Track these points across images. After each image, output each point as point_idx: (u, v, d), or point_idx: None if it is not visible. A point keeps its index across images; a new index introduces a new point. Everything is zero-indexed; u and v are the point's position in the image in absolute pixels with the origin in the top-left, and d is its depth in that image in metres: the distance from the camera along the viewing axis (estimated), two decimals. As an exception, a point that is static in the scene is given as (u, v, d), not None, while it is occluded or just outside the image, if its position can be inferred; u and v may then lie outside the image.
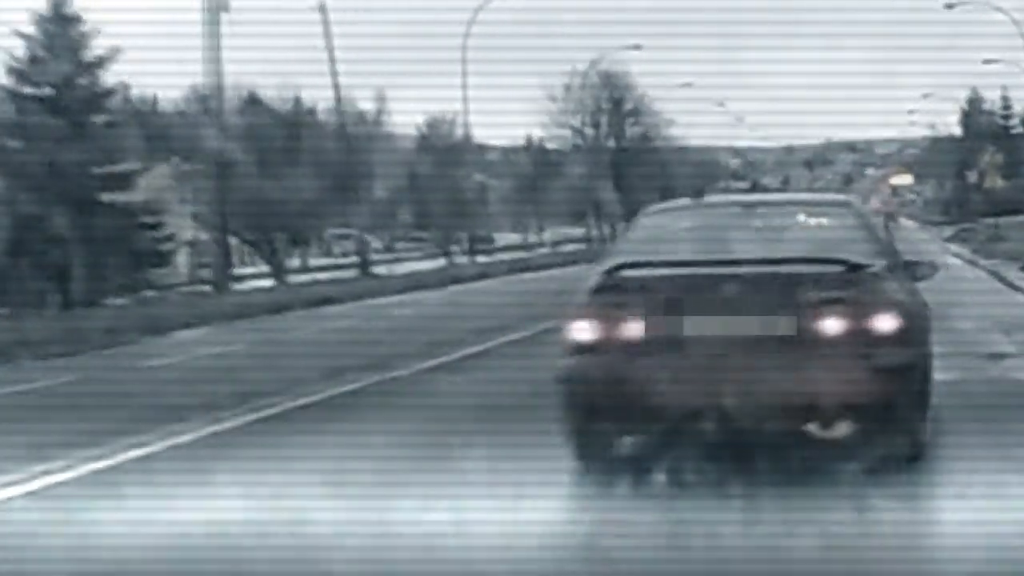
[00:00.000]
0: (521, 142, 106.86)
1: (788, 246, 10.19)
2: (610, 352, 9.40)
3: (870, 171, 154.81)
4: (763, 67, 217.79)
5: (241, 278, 53.51)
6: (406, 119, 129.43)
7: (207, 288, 47.10)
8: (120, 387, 18.49)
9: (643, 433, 9.69)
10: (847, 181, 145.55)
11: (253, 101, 63.15)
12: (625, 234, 11.41)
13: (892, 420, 9.22)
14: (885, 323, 9.16)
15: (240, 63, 75.80)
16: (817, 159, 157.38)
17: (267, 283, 51.25)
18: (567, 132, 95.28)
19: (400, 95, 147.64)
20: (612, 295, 9.56)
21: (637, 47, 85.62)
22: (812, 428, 9.34)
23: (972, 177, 75.92)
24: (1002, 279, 30.87)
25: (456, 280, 46.93)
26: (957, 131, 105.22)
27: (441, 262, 65.66)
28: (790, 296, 9.18)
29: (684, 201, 11.51)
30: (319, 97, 67.93)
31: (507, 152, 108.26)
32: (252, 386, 16.23)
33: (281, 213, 54.94)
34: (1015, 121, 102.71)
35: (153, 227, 43.63)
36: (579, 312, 9.59)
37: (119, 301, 38.52)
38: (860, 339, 9.10)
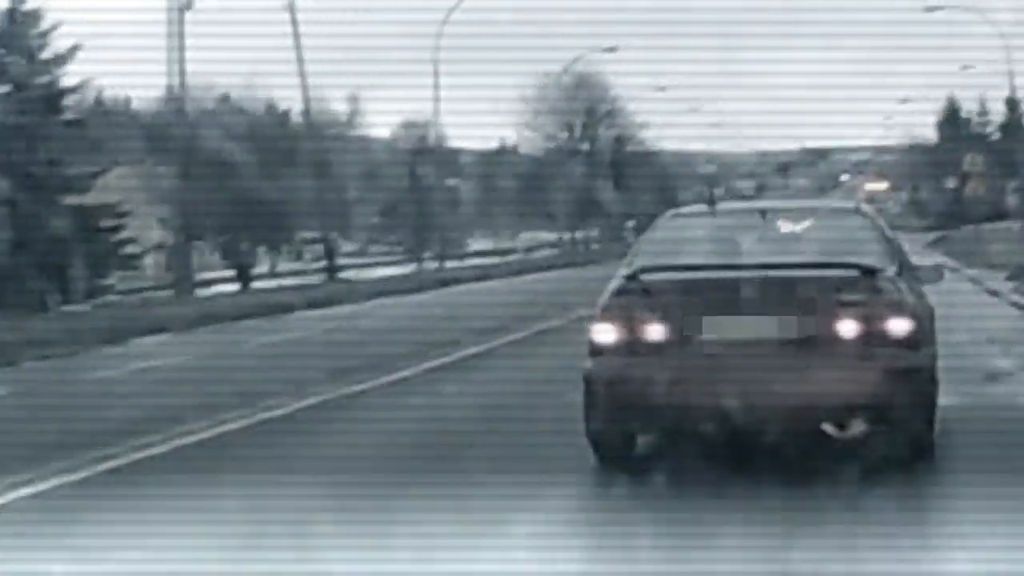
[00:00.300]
0: (495, 146, 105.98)
1: (803, 251, 10.53)
2: (631, 353, 9.80)
3: (845, 177, 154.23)
4: (739, 72, 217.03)
5: (206, 283, 52.33)
6: (380, 122, 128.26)
7: (169, 293, 45.89)
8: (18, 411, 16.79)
9: (663, 433, 10.27)
10: (822, 187, 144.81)
11: (223, 102, 62.05)
12: (644, 239, 11.53)
13: (904, 420, 9.57)
14: (898, 326, 9.54)
15: (211, 64, 74.82)
16: (792, 165, 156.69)
17: (233, 288, 50.09)
18: (541, 136, 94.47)
19: (374, 97, 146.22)
20: (634, 298, 9.92)
21: (612, 49, 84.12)
22: (827, 428, 9.80)
23: (952, 183, 75.11)
24: (991, 290, 29.74)
25: (423, 287, 45.57)
26: (934, 137, 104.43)
27: (412, 267, 64.49)
28: (806, 299, 9.58)
29: (700, 207, 11.91)
30: (287, 98, 66.91)
31: (482, 156, 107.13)
32: (161, 412, 14.62)
33: (248, 216, 53.80)
34: (993, 127, 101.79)
35: (112, 230, 42.37)
36: (602, 314, 9.99)
37: (78, 307, 37.13)
38: (874, 341, 9.46)
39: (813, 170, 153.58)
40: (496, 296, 39.14)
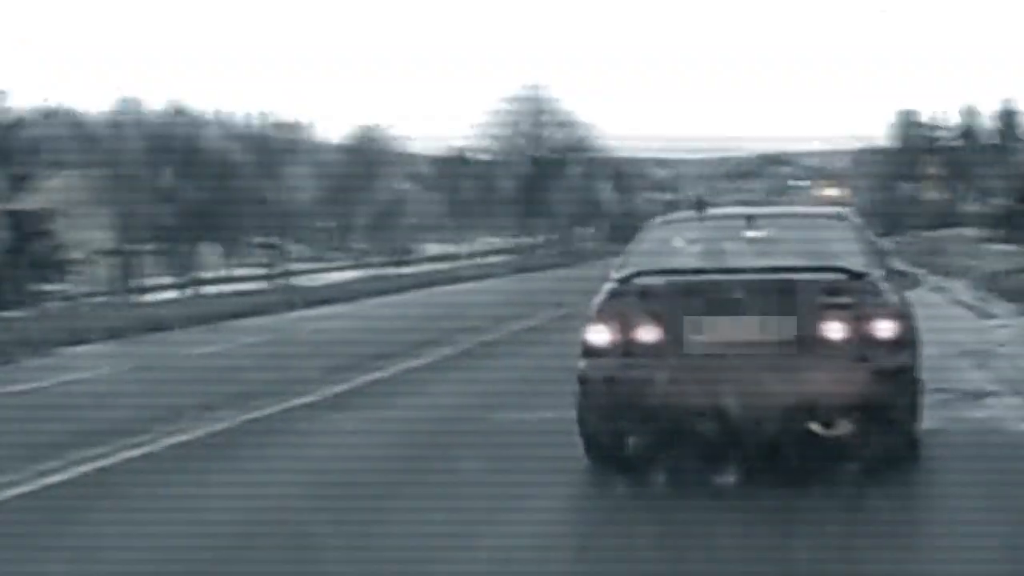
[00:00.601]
0: (449, 152, 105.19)
1: (792, 255, 10.69)
2: (624, 355, 10.06)
3: (798, 183, 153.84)
4: (693, 77, 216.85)
5: (149, 289, 51.00)
6: (334, 126, 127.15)
7: (111, 300, 44.55)
8: None
9: (655, 432, 10.24)
10: (775, 193, 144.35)
11: (174, 110, 61.28)
12: (635, 244, 11.63)
13: (891, 419, 9.88)
14: (885, 328, 9.80)
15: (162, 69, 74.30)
16: (745, 171, 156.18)
17: (177, 294, 48.79)
18: (494, 142, 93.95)
19: (330, 102, 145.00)
20: (627, 300, 10.17)
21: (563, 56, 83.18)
22: (815, 428, 9.89)
23: (908, 189, 74.51)
24: (955, 299, 28.66)
25: (372, 293, 44.17)
26: (887, 143, 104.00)
27: (361, 273, 63.19)
28: (795, 302, 9.82)
29: (689, 213, 12.05)
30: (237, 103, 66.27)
31: (436, 162, 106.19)
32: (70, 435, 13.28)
33: (191, 221, 52.80)
34: (948, 133, 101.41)
35: (46, 235, 41.06)
36: (596, 316, 10.23)
37: (10, 314, 35.65)
38: (862, 343, 9.73)
39: (766, 175, 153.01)
40: (443, 304, 37.78)
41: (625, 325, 10.06)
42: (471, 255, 79.29)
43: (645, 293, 10.18)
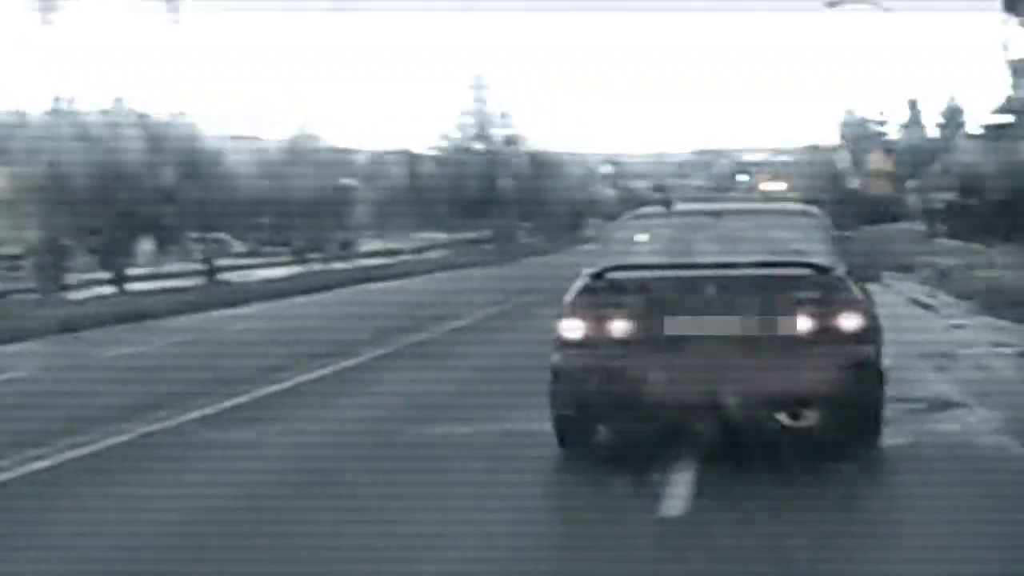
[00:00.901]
0: (391, 147, 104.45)
1: (758, 251, 10.76)
2: (596, 348, 10.25)
3: (742, 177, 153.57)
4: (636, 73, 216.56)
5: (81, 287, 49.58)
6: (274, 123, 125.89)
7: (41, 298, 43.15)
8: None
9: (625, 423, 10.70)
10: (720, 188, 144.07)
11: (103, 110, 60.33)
12: (606, 239, 11.94)
13: (857, 407, 10.17)
14: (849, 321, 10.06)
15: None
16: (688, 165, 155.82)
17: (107, 291, 47.40)
18: (437, 136, 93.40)
19: (268, 98, 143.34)
20: (599, 295, 10.39)
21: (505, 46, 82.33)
22: (784, 417, 10.27)
23: (854, 184, 74.05)
24: (909, 297, 27.72)
25: (305, 289, 42.85)
26: (831, 139, 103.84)
27: (297, 270, 61.93)
28: (763, 296, 10.10)
29: (658, 209, 12.23)
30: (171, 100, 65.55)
31: (376, 157, 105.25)
32: None
33: (119, 217, 51.66)
34: (892, 128, 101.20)
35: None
36: (569, 310, 10.44)
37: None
38: (827, 336, 9.99)
39: (709, 170, 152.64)
40: (377, 302, 36.66)
41: (597, 319, 10.27)
42: (408, 251, 78.08)
43: (617, 287, 10.45)
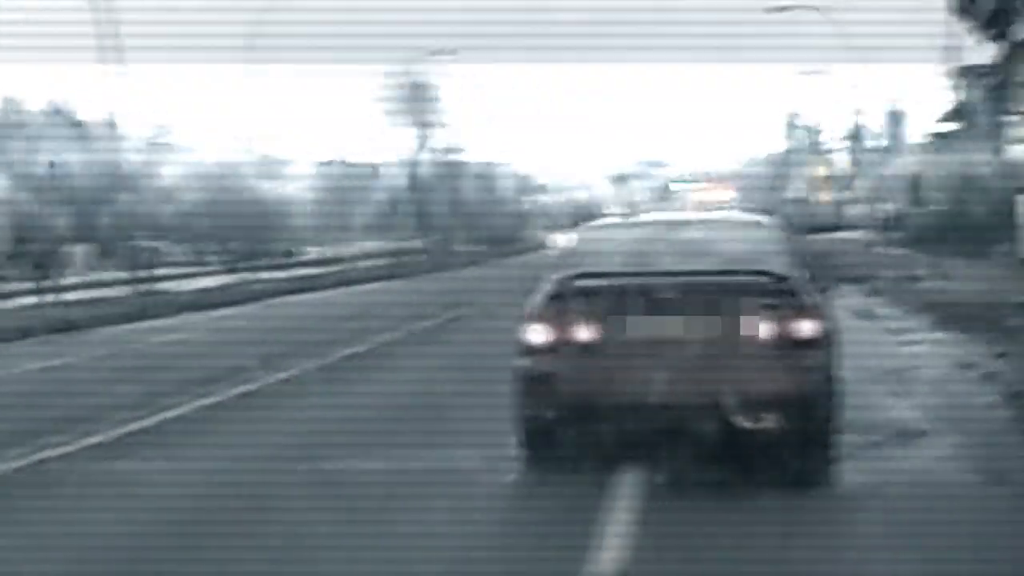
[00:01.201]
0: (330, 155, 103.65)
1: (718, 258, 11.04)
2: (560, 353, 10.49)
3: (679, 186, 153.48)
4: (572, 83, 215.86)
5: (6, 296, 48.21)
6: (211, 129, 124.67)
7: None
8: None
9: (589, 426, 10.58)
10: (659, 196, 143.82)
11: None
12: (569, 247, 12.06)
13: (814, 412, 10.25)
14: (807, 327, 10.27)
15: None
16: (627, 175, 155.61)
17: (32, 300, 46.06)
18: (376, 145, 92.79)
19: (204, 106, 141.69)
20: (563, 301, 10.63)
21: (452, 52, 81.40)
22: (743, 421, 10.25)
23: (795, 192, 73.48)
24: (856, 310, 26.67)
25: (236, 300, 41.53)
26: (774, 147, 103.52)
27: (234, 278, 60.65)
28: (723, 303, 10.33)
29: (619, 219, 13.17)
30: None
31: (317, 165, 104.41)
32: None
33: (45, 224, 50.49)
34: (836, 136, 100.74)
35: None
36: (534, 316, 10.67)
37: None
38: (785, 341, 10.20)
39: (649, 180, 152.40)
40: (306, 314, 35.37)
41: (561, 324, 10.51)
42: (348, 260, 76.96)
43: (580, 294, 10.67)
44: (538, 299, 10.82)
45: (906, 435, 11.91)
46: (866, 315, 25.60)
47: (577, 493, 9.81)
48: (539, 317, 10.66)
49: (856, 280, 35.23)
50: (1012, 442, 11.79)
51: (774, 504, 9.44)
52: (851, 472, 10.38)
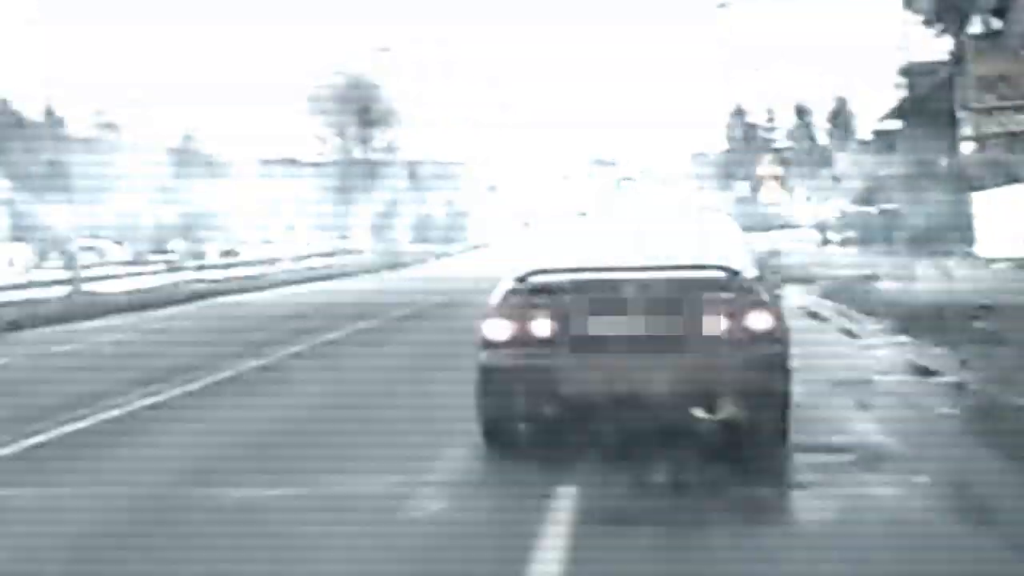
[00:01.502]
0: (273, 154, 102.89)
1: (674, 254, 11.31)
2: (520, 346, 10.75)
3: (629, 184, 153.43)
4: (525, 83, 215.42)
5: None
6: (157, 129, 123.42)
7: None
8: None
9: (548, 419, 10.98)
10: (609, 195, 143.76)
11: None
12: (529, 243, 12.39)
13: (764, 404, 10.68)
14: (760, 321, 10.59)
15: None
16: (576, 174, 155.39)
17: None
18: (317, 142, 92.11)
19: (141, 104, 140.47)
20: (523, 297, 10.88)
21: (385, 49, 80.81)
22: (699, 412, 10.72)
23: (746, 189, 72.88)
24: (809, 312, 25.64)
25: (168, 301, 40.23)
26: (720, 145, 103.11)
27: (170, 278, 59.40)
28: (679, 297, 10.60)
29: (576, 216, 13.30)
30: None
31: (260, 164, 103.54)
32: None
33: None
34: (781, 134, 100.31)
35: None
36: (494, 311, 10.92)
37: None
38: (738, 335, 10.53)
39: (597, 178, 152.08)
40: (231, 315, 34.03)
41: (521, 319, 10.75)
42: (298, 258, 75.82)
43: (540, 290, 10.86)
44: (497, 294, 11.06)
45: (873, 457, 10.75)
46: (818, 316, 24.59)
47: (511, 520, 9.02)
48: (497, 312, 10.89)
49: (806, 280, 34.45)
50: (986, 468, 10.60)
51: (723, 533, 8.64)
52: (816, 502, 9.40)
